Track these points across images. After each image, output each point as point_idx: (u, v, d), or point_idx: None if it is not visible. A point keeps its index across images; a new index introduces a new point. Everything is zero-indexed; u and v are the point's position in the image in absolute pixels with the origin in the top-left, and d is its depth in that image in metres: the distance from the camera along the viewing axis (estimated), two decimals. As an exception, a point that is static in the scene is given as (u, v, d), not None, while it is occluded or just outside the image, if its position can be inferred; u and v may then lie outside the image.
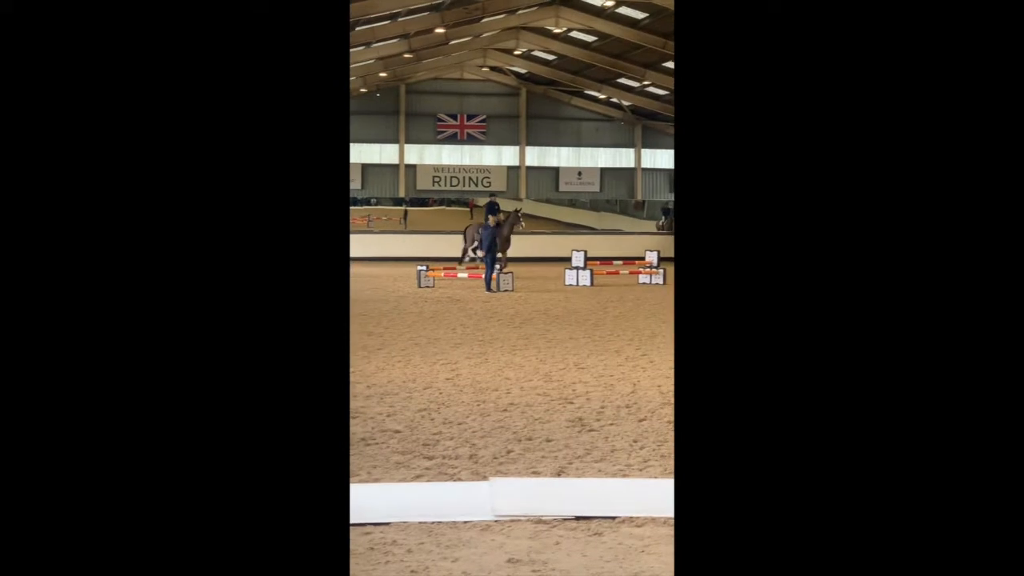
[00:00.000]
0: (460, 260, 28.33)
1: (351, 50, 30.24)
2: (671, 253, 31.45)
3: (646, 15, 30.40)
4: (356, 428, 8.60)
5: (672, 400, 10.20)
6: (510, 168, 43.46)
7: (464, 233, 29.17)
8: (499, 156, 43.48)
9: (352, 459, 7.21)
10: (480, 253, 26.00)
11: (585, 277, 25.37)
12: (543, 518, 6.15)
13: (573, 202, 48.80)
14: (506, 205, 47.78)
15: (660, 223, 43.64)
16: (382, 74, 38.71)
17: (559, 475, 7.32)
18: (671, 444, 8.23)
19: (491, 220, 24.81)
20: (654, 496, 6.71)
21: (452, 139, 42.60)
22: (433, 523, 6.03)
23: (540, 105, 43.31)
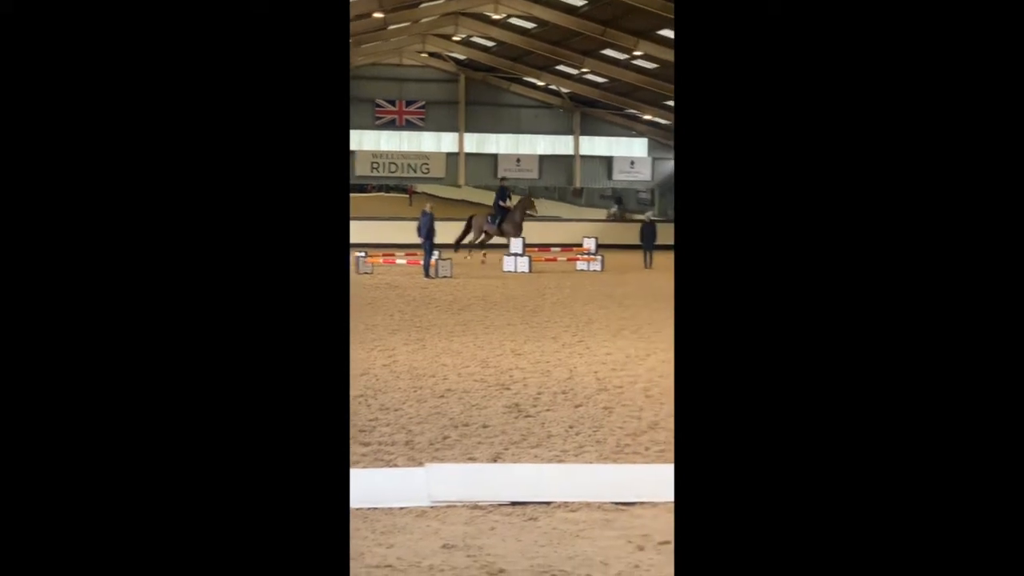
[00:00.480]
0: (458, 246, 28.10)
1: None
2: (610, 240, 31.64)
3: (585, 2, 30.45)
4: (292, 415, 8.56)
5: (608, 387, 10.29)
6: (449, 155, 43.32)
7: (471, 221, 28.93)
8: (438, 142, 43.33)
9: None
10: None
11: (523, 264, 25.44)
12: (479, 504, 6.17)
13: (512, 189, 48.84)
14: (447, 192, 47.62)
15: (612, 211, 43.71)
16: (320, 59, 38.32)
17: (495, 461, 7.35)
18: (606, 430, 8.30)
19: (428, 207, 24.74)
20: (588, 481, 6.77)
21: (391, 125, 42.35)
22: (369, 509, 6.02)
23: (479, 92, 43.21)
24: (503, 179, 33.23)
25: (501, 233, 27.36)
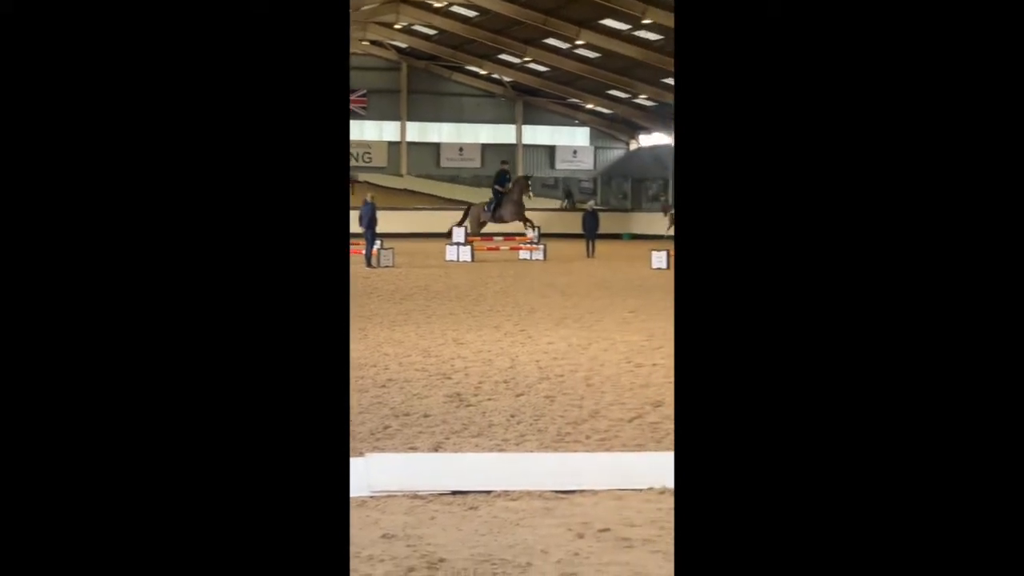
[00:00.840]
0: (452, 232, 28.00)
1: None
2: (553, 229, 31.70)
3: (527, -9, 30.46)
4: (230, 406, 8.48)
5: (549, 375, 10.30)
6: (391, 144, 43.23)
7: (468, 211, 28.72)
8: (380, 131, 43.18)
9: (225, 437, 7.09)
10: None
11: (466, 253, 25.43)
12: (419, 493, 6.14)
13: (455, 178, 48.73)
14: (389, 181, 47.46)
15: (563, 203, 43.84)
16: (260, 46, 37.95)
17: (436, 450, 7.32)
18: (547, 419, 8.31)
19: (369, 197, 24.64)
20: (529, 470, 6.77)
21: (332, 113, 42.09)
22: (307, 500, 5.97)
23: (421, 80, 43.11)
24: (504, 162, 32.45)
25: (497, 219, 27.14)
